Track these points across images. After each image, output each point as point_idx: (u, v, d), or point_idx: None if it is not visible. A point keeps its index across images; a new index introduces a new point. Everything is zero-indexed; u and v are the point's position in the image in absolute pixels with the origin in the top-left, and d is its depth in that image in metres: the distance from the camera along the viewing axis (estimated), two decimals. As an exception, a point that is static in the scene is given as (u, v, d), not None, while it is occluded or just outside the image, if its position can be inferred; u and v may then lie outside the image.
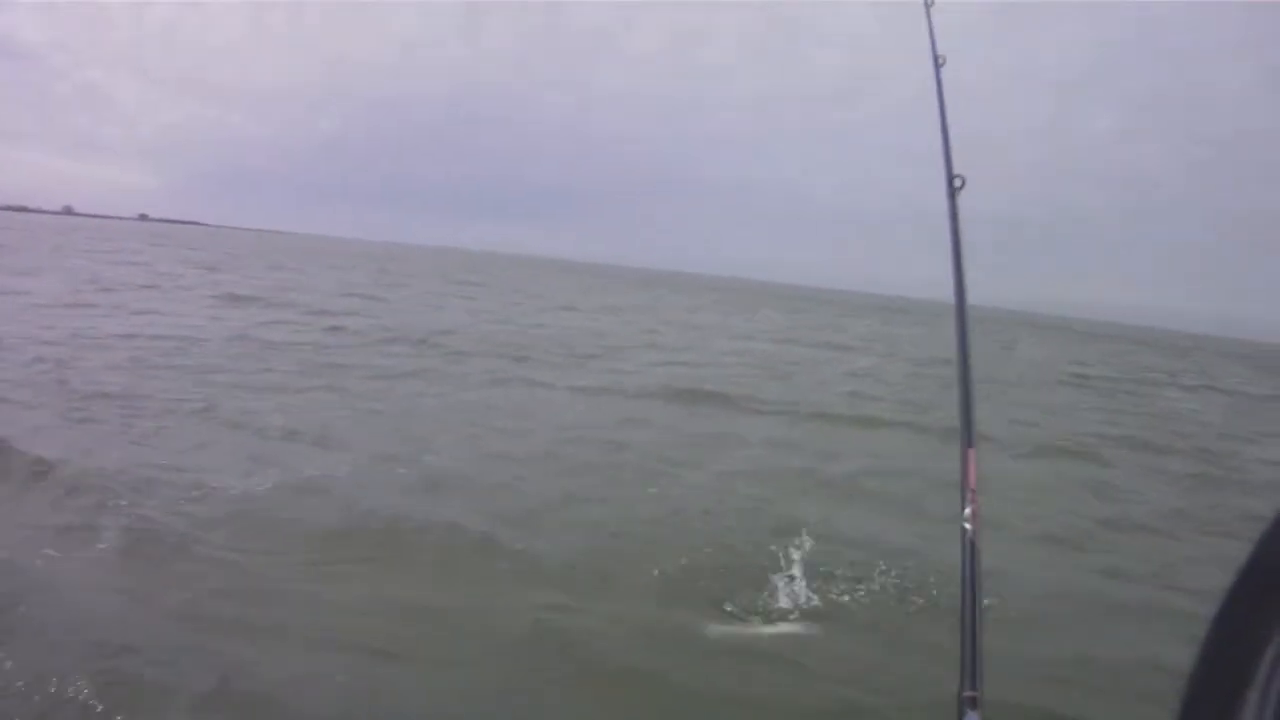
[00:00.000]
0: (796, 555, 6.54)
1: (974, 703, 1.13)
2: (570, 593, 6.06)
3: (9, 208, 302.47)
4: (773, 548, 6.80)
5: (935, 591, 6.33)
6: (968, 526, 1.34)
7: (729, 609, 5.90)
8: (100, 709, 4.15)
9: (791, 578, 6.24)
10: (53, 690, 4.23)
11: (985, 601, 1.29)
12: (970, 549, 1.31)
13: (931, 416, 15.24)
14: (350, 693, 4.59)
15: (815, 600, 6.05)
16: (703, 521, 7.80)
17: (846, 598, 6.24)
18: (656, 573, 6.43)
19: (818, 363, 24.82)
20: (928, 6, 2.34)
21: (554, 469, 9.50)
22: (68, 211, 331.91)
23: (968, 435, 1.49)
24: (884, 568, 6.79)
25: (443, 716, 4.56)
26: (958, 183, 1.97)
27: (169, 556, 6.14)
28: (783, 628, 5.68)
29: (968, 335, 1.63)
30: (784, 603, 5.96)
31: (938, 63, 2.18)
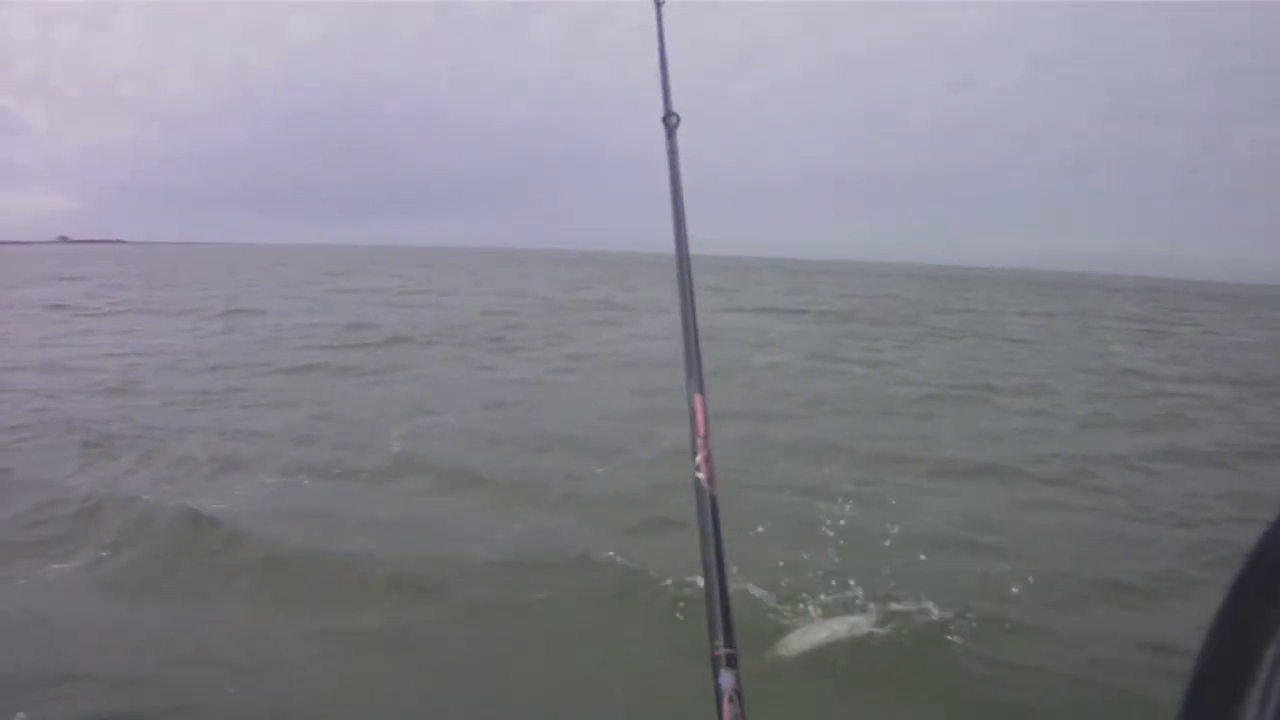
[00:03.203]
0: None
1: (729, 660, 1.05)
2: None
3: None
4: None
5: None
6: (700, 476, 1.26)
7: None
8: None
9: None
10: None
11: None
12: (707, 499, 1.23)
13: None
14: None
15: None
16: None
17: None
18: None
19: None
20: None
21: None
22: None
23: (696, 381, 1.41)
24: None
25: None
26: (673, 120, 1.95)
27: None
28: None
29: (691, 280, 1.58)
30: None
31: (659, 2, 2.22)
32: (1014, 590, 6.44)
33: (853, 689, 5.02)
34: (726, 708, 1.03)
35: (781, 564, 6.64)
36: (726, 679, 1.06)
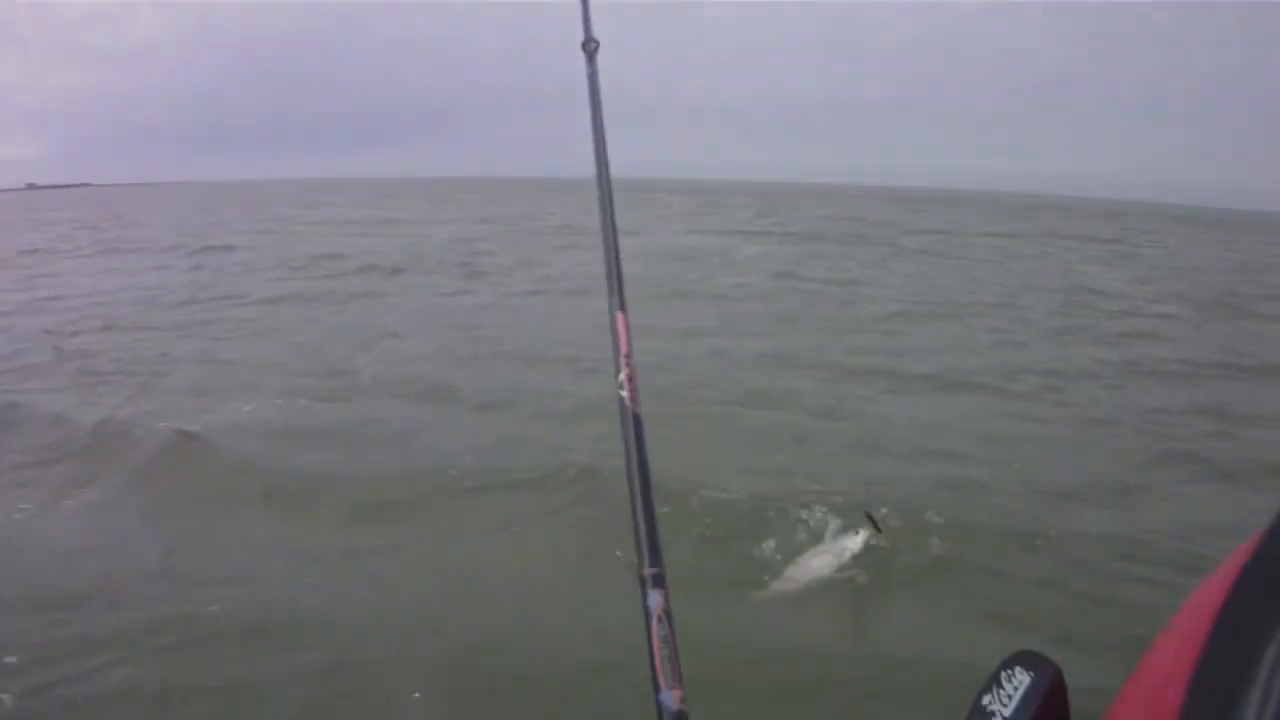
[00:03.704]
0: None
1: (657, 580, 1.04)
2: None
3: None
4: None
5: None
6: (624, 394, 1.26)
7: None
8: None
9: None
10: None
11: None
12: (631, 417, 1.23)
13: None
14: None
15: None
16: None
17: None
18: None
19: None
20: None
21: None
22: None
23: (617, 299, 1.40)
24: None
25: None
26: (592, 45, 1.96)
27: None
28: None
29: (611, 201, 1.55)
30: None
31: None
32: (993, 496, 6.83)
33: (841, 604, 5.26)
34: (655, 628, 1.00)
35: (758, 472, 7.11)
36: (655, 599, 1.04)
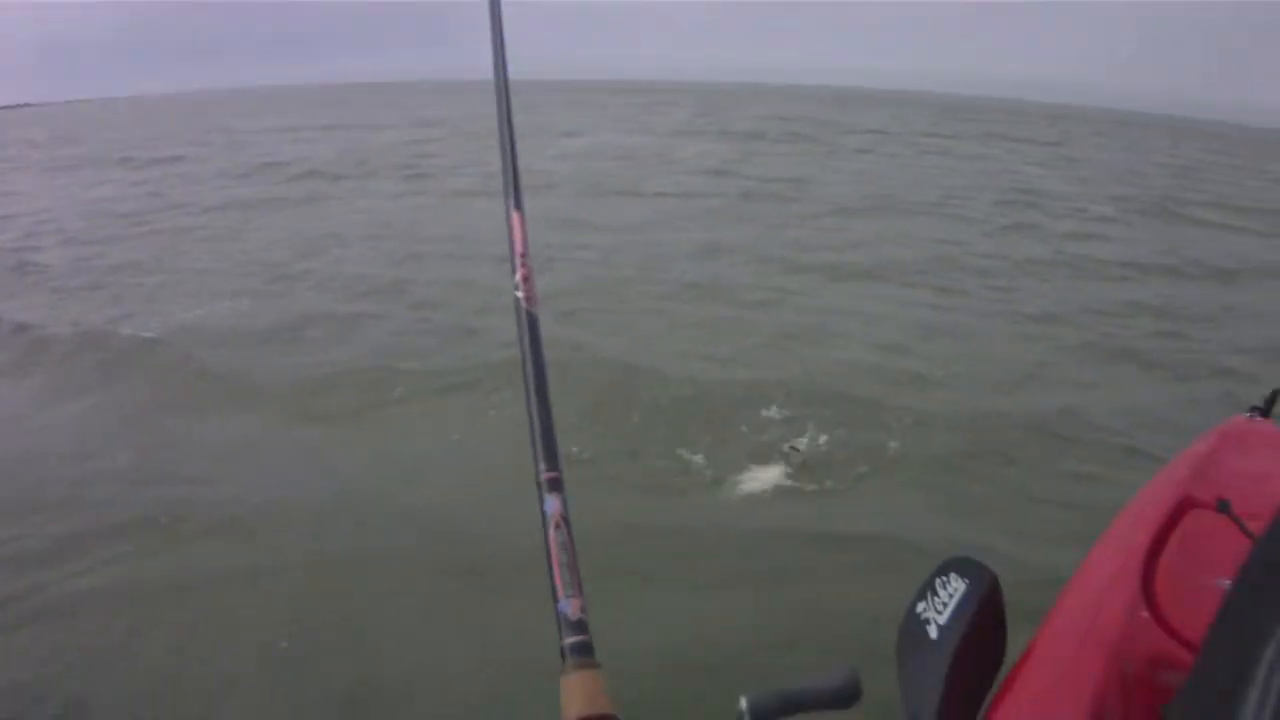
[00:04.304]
0: None
1: (554, 484, 1.02)
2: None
3: None
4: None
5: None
6: (519, 294, 1.22)
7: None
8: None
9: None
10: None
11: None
12: (526, 317, 1.19)
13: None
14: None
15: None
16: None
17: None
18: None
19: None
20: None
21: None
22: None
23: (514, 198, 1.37)
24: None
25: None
26: None
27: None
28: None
29: (508, 102, 1.50)
30: None
31: None
32: (932, 389, 7.00)
33: (770, 502, 5.26)
34: (553, 534, 0.98)
35: (696, 359, 7.43)
36: (552, 504, 1.01)
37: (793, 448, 5.57)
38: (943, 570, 1.33)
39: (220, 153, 27.64)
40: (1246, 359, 8.15)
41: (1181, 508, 2.15)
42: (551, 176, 18.23)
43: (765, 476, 5.43)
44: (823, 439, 5.77)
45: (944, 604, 1.26)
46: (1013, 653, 1.45)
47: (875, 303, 9.57)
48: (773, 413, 6.26)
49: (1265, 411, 2.76)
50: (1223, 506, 1.93)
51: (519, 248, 1.32)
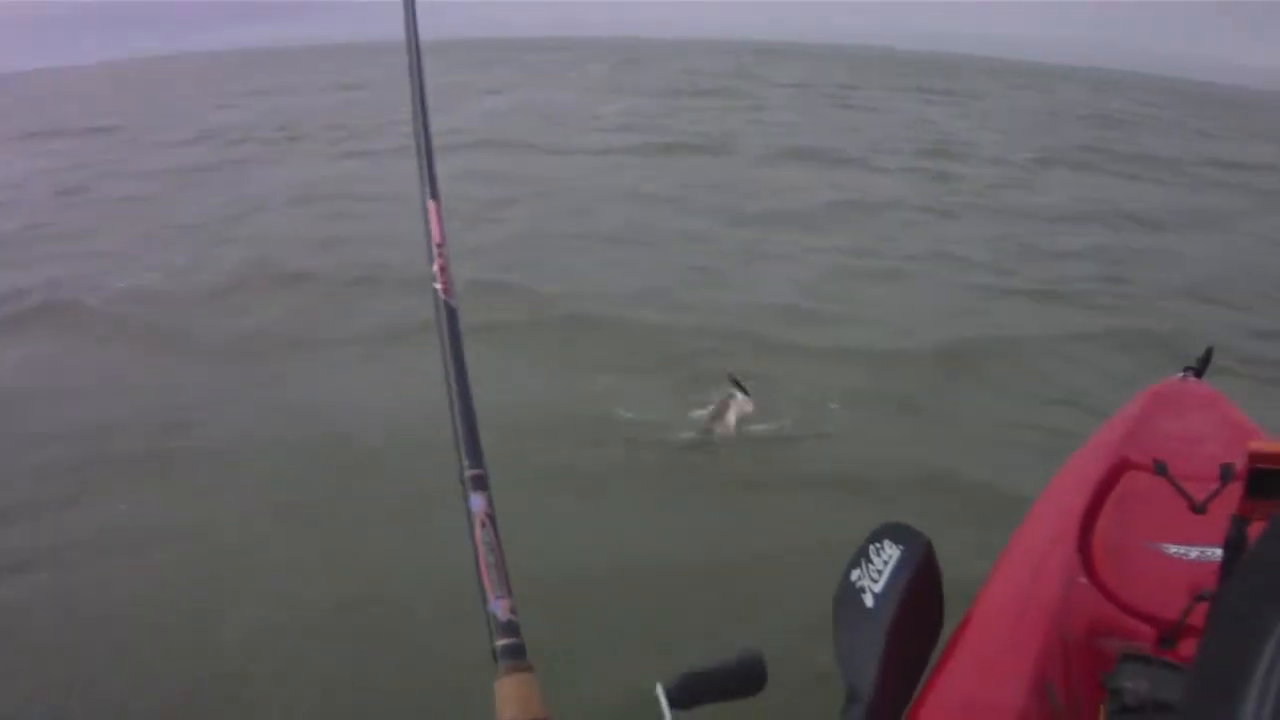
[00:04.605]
0: None
1: (479, 482, 0.99)
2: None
3: None
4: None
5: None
6: (436, 286, 1.18)
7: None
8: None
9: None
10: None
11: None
12: (445, 310, 1.16)
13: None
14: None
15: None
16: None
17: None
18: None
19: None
20: None
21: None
22: None
23: (430, 187, 1.32)
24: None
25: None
26: None
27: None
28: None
29: (424, 80, 1.46)
30: None
31: None
32: (863, 342, 7.07)
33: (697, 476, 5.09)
34: (479, 534, 0.95)
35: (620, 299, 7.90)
36: (477, 502, 0.98)
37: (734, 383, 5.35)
38: (876, 537, 1.31)
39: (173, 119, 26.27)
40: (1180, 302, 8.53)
41: (1117, 470, 2.17)
42: (475, 134, 17.96)
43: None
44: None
45: (879, 571, 1.24)
46: (953, 616, 1.44)
47: (806, 252, 9.80)
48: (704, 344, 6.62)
49: (1199, 372, 2.81)
50: (1160, 469, 1.95)
51: (436, 237, 1.27)
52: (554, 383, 6.24)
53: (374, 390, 6.25)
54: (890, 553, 1.28)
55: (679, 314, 7.50)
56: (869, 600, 1.21)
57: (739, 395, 5.28)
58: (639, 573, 4.05)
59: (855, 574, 1.28)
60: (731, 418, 5.23)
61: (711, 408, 5.37)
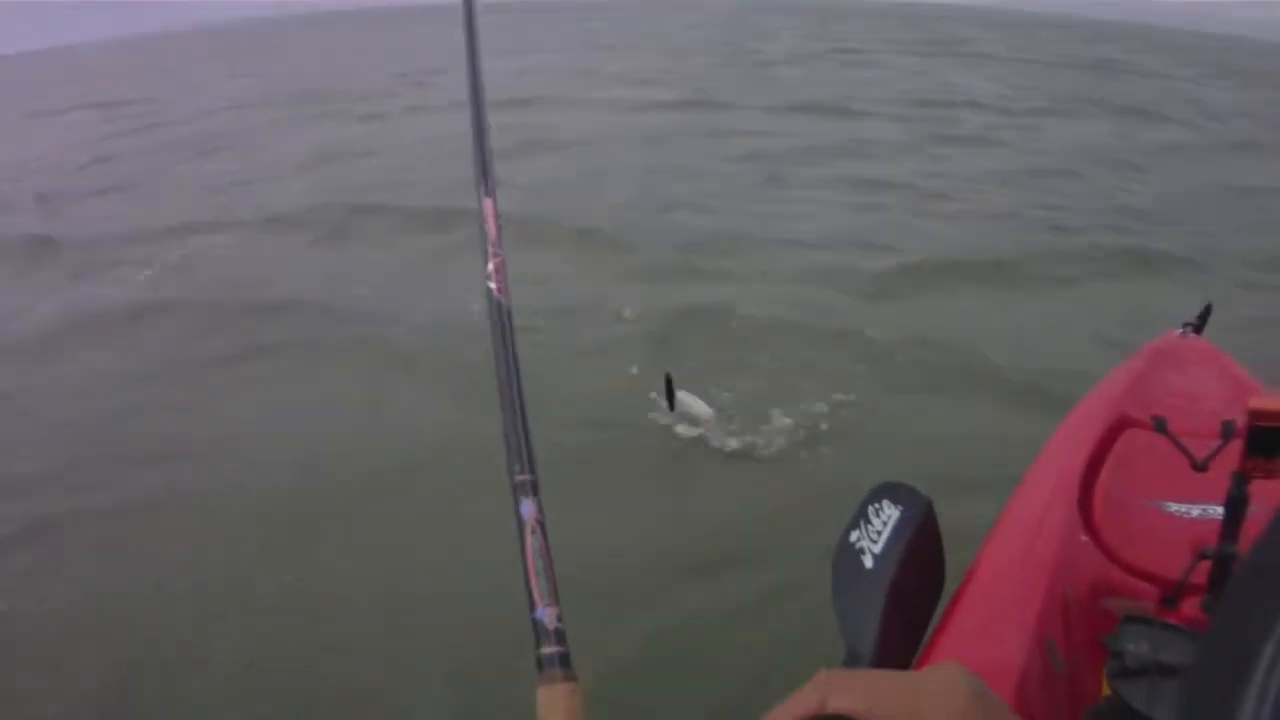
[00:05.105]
0: None
1: (529, 487, 0.98)
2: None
3: None
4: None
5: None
6: (491, 285, 1.17)
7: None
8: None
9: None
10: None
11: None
12: (497, 309, 1.14)
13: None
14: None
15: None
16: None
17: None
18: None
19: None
20: None
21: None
22: None
23: (485, 182, 1.30)
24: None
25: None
26: None
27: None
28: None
29: (480, 72, 1.43)
30: None
31: None
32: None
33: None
34: (529, 540, 0.94)
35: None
36: (528, 508, 0.97)
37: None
38: (875, 497, 1.30)
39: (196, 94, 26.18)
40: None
41: (1117, 427, 2.17)
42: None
43: None
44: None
45: (878, 532, 1.24)
46: (954, 577, 1.44)
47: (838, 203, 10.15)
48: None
49: (1198, 328, 2.80)
50: (1160, 426, 1.94)
51: (491, 235, 1.24)
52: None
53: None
54: (889, 513, 1.28)
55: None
56: (869, 561, 1.20)
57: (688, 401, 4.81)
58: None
59: (854, 535, 1.27)
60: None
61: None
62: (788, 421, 4.87)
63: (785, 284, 7.26)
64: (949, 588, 1.40)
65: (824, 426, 4.85)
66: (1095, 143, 13.89)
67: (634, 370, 5.55)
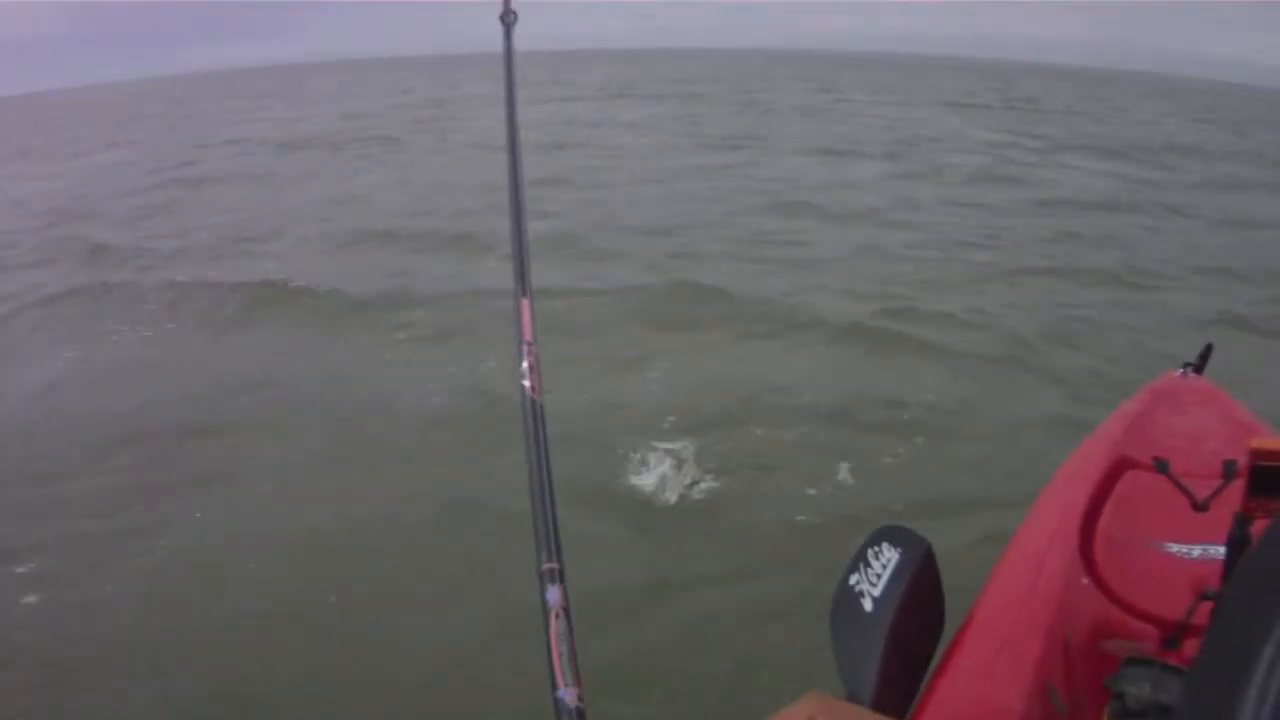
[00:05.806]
0: None
1: (555, 575, 1.00)
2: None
3: None
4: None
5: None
6: (525, 383, 1.19)
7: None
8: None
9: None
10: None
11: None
12: (533, 407, 1.16)
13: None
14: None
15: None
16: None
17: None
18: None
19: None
20: None
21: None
22: None
23: (521, 284, 1.32)
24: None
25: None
26: (511, 18, 1.88)
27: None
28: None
29: (521, 172, 1.46)
30: None
31: None
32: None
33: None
34: (554, 625, 0.96)
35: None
36: (553, 594, 0.99)
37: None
38: (874, 540, 1.30)
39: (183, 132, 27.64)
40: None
41: (1118, 468, 2.14)
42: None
43: None
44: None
45: (878, 575, 1.23)
46: (953, 619, 1.43)
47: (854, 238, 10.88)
48: None
49: (1199, 368, 2.79)
50: (1161, 467, 1.92)
51: (526, 335, 1.28)
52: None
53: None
54: (889, 556, 1.28)
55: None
56: (868, 604, 1.20)
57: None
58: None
59: (854, 578, 1.27)
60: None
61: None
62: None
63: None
64: (949, 628, 1.39)
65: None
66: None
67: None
